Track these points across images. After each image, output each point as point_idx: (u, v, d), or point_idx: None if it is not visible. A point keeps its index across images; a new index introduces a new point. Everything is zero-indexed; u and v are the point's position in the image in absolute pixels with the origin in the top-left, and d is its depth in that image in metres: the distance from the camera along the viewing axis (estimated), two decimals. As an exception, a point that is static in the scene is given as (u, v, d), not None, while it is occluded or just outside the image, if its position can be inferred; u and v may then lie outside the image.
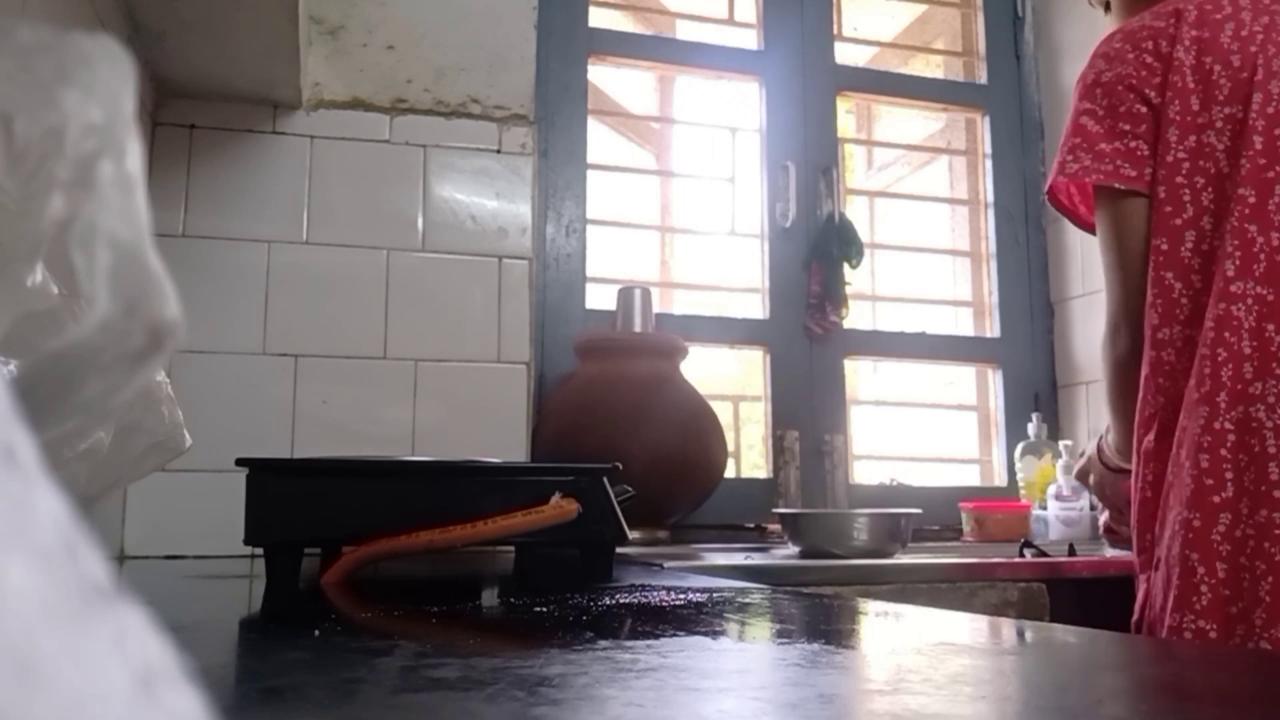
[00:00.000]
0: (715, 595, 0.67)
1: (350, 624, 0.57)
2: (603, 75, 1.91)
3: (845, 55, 2.00)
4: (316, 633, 0.47)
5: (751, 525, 1.70)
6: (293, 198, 1.46)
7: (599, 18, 1.86)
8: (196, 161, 1.43)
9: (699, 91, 2.04)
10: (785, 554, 1.39)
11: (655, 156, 2.08)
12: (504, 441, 1.48)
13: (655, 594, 0.68)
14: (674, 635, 0.44)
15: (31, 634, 0.12)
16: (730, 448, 1.66)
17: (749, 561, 1.23)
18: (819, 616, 0.60)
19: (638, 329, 1.60)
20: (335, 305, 1.45)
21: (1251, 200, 1.02)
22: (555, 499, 0.82)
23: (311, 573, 0.84)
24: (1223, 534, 0.96)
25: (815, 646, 0.43)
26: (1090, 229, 1.21)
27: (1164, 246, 1.06)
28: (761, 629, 0.53)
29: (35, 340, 0.29)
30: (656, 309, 1.67)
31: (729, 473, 1.65)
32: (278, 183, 1.46)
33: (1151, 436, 1.06)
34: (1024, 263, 2.00)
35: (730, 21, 1.99)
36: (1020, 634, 0.59)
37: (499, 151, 1.56)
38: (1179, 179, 1.06)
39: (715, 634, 0.47)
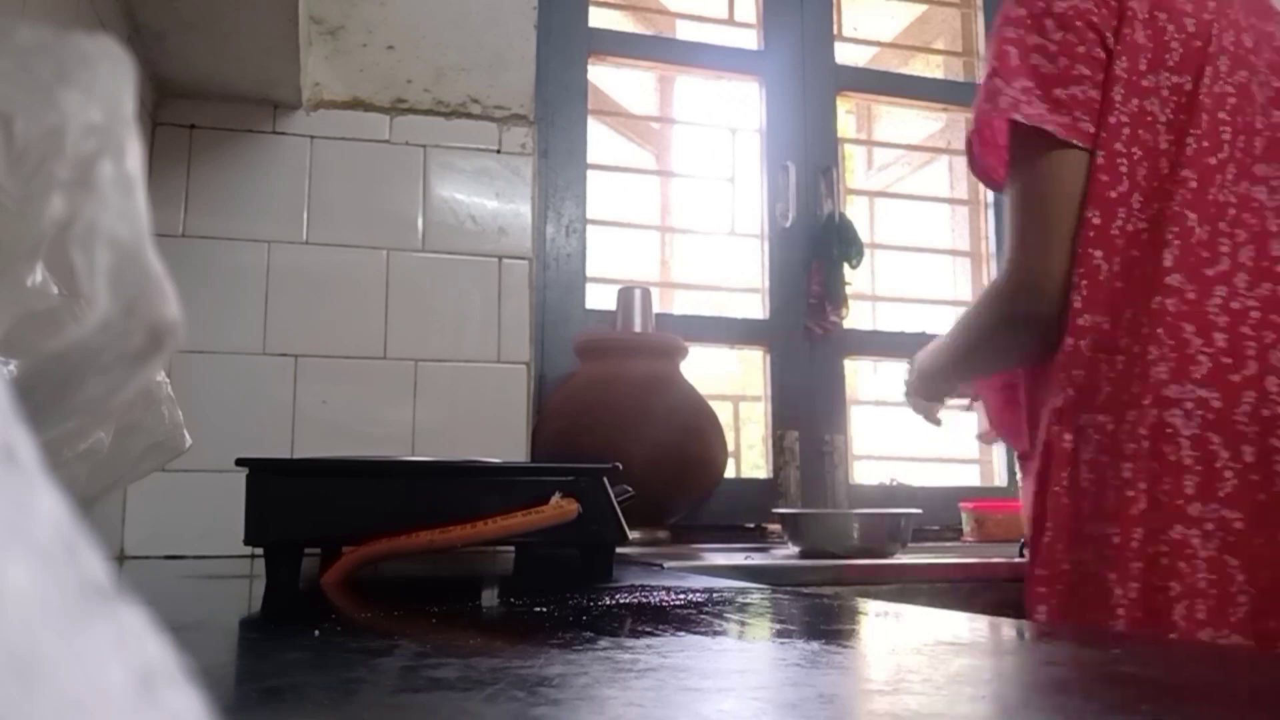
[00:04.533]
0: (715, 595, 0.67)
1: (350, 624, 0.57)
2: (603, 75, 1.91)
3: (845, 55, 2.00)
4: (316, 633, 0.47)
5: (751, 525, 1.70)
6: (293, 198, 1.46)
7: (599, 18, 1.86)
8: (196, 161, 1.43)
9: (699, 91, 2.04)
10: (785, 554, 1.39)
11: (655, 156, 2.08)
12: (504, 441, 1.48)
13: (655, 594, 0.68)
14: (674, 635, 0.44)
15: (31, 634, 0.12)
16: (730, 448, 1.66)
17: (749, 561, 1.23)
18: (819, 616, 0.60)
19: (638, 329, 1.60)
20: (335, 305, 1.45)
21: (1193, 185, 0.92)
22: (555, 499, 0.82)
23: (311, 573, 0.84)
24: (1135, 550, 0.85)
25: (815, 646, 0.43)
26: (992, 182, 1.07)
27: (1096, 220, 0.93)
28: (761, 629, 0.53)
29: (35, 340, 0.29)
30: (656, 309, 1.67)
31: (729, 473, 1.65)
32: (278, 183, 1.46)
33: (1061, 432, 0.94)
34: (1024, 263, 1.99)
35: (730, 21, 1.99)
36: (1020, 634, 0.59)
37: (499, 151, 1.56)
38: (1118, 145, 0.94)
39: (715, 634, 0.47)
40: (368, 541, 0.80)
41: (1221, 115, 0.93)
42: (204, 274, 1.40)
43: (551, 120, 1.74)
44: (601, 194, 1.81)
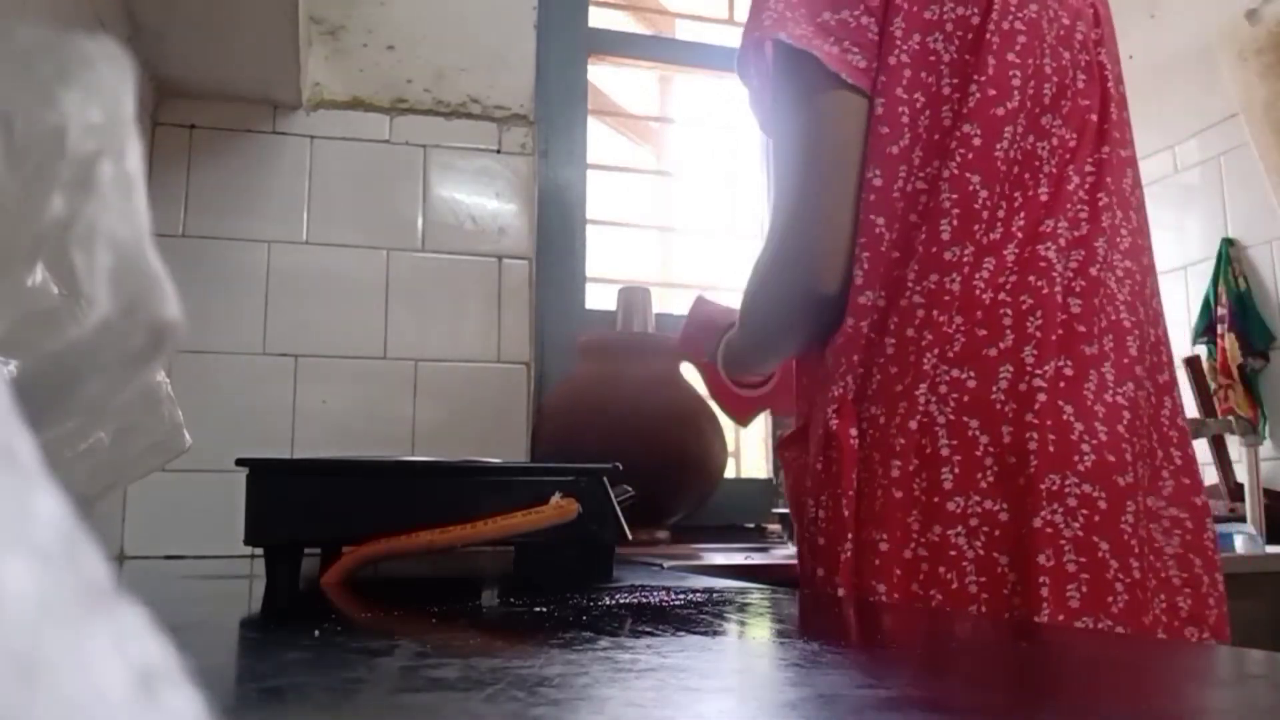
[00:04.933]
0: (715, 595, 0.67)
1: (350, 624, 0.57)
2: (603, 75, 1.91)
3: (845, 55, 2.00)
4: (316, 633, 0.47)
5: (751, 525, 1.70)
6: (293, 198, 1.46)
7: (599, 18, 1.86)
8: (196, 161, 1.43)
9: (699, 91, 2.04)
10: (785, 554, 1.39)
11: (655, 156, 2.08)
12: (504, 441, 1.48)
13: (655, 594, 0.68)
14: (674, 635, 0.44)
15: (31, 635, 0.12)
16: (730, 448, 1.66)
17: (749, 561, 1.23)
18: (819, 616, 0.60)
19: (638, 329, 1.60)
20: (335, 305, 1.45)
21: (976, 142, 0.78)
22: (555, 499, 0.82)
23: (311, 573, 0.84)
24: (886, 555, 0.75)
25: (815, 646, 0.43)
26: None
27: (878, 181, 0.80)
28: (761, 629, 0.53)
29: (35, 340, 0.29)
30: (656, 309, 1.67)
31: (729, 473, 1.65)
32: (278, 183, 1.46)
33: (845, 426, 0.80)
34: (1024, 263, 1.99)
35: (730, 21, 1.99)
36: (1019, 631, 0.59)
37: (499, 151, 1.56)
38: (899, 91, 0.80)
39: (715, 634, 0.47)
40: (368, 541, 0.80)
41: (1010, 57, 0.79)
42: (204, 274, 1.40)
43: (551, 120, 1.74)
44: (601, 194, 1.81)
